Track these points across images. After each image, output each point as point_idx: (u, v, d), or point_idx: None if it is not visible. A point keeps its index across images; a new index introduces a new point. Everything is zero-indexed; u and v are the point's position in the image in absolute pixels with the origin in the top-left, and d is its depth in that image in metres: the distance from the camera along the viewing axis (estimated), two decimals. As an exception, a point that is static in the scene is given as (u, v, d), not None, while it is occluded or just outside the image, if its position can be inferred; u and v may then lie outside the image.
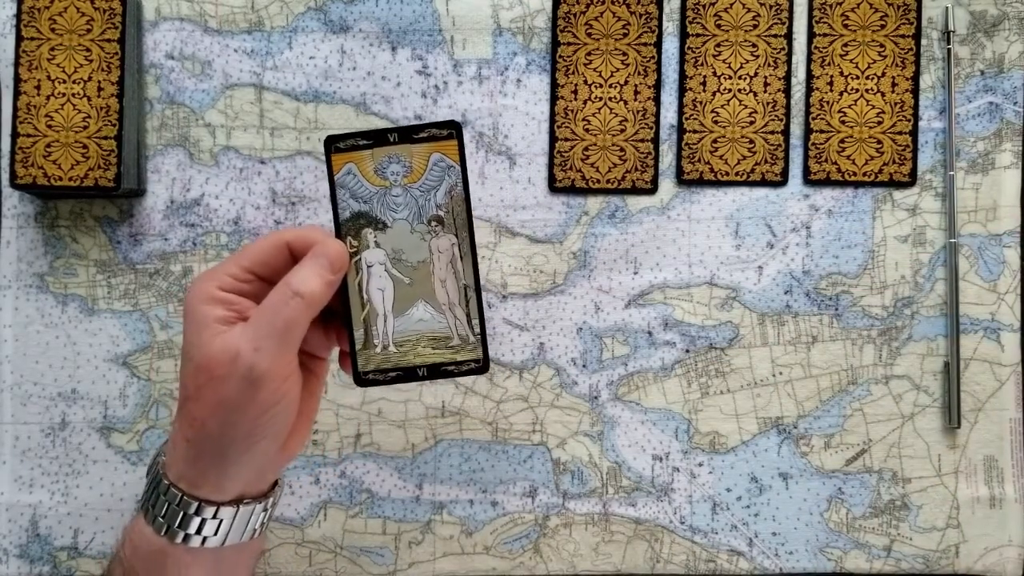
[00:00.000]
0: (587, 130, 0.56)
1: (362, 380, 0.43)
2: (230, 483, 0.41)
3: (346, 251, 0.42)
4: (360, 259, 0.43)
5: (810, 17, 0.56)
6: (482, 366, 0.43)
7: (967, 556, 0.56)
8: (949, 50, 0.56)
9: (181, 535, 0.41)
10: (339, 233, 0.43)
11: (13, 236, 0.55)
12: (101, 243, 0.56)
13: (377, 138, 0.42)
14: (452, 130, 0.43)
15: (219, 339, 0.39)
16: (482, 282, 0.55)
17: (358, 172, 0.43)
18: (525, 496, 0.56)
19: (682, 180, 0.56)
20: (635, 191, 0.56)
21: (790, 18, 0.56)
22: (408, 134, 0.42)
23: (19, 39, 0.53)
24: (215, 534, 0.41)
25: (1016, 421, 0.56)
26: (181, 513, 0.40)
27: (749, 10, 0.56)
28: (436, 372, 0.43)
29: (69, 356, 0.55)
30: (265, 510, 0.43)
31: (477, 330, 0.43)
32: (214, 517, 0.41)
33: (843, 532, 0.56)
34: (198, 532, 0.41)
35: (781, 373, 0.56)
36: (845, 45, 0.56)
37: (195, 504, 0.40)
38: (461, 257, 0.43)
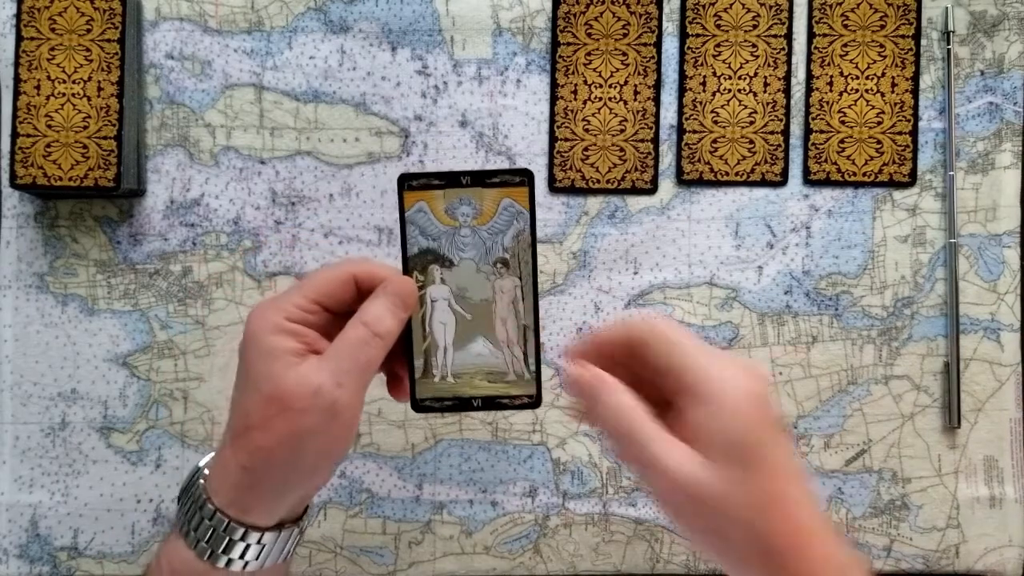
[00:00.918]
0: (587, 130, 0.56)
1: (419, 407, 0.45)
2: (281, 509, 0.41)
3: (416, 290, 0.43)
4: (425, 293, 0.44)
5: (810, 17, 0.56)
6: (535, 401, 0.45)
7: (967, 556, 0.56)
8: (949, 50, 0.56)
9: (225, 560, 0.41)
10: (406, 267, 0.44)
11: (13, 236, 0.56)
12: (101, 243, 0.56)
13: (450, 179, 0.44)
14: (524, 177, 0.44)
15: (293, 372, 0.39)
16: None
17: (429, 210, 0.44)
18: (525, 496, 0.56)
19: (682, 180, 0.56)
20: (635, 191, 0.56)
21: (790, 18, 0.56)
22: (481, 178, 0.44)
23: (19, 39, 0.53)
24: (256, 558, 0.41)
25: (1016, 421, 0.56)
26: (227, 538, 0.40)
27: (749, 10, 0.56)
28: (490, 404, 0.45)
29: (69, 356, 0.55)
30: (301, 533, 0.44)
31: (533, 368, 0.45)
32: (258, 542, 0.41)
33: (843, 532, 0.56)
34: (241, 556, 0.41)
35: (781, 373, 0.56)
36: (845, 45, 0.56)
37: (242, 530, 0.40)
38: (523, 299, 0.45)
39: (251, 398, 0.40)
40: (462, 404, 0.45)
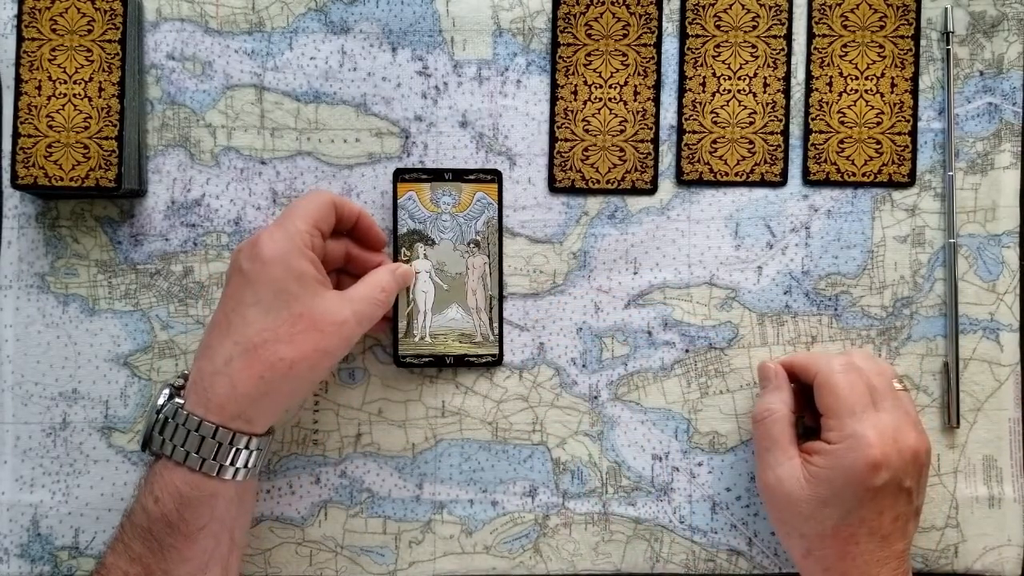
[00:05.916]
0: (587, 131, 0.56)
1: (401, 362, 0.54)
2: (276, 417, 0.48)
3: (413, 275, 0.53)
4: (411, 266, 0.54)
5: (809, 18, 0.56)
6: (497, 360, 0.55)
7: (966, 555, 0.56)
8: (948, 51, 0.56)
9: (232, 470, 0.46)
10: (396, 244, 0.54)
11: (14, 236, 0.56)
12: (102, 243, 0.56)
13: (436, 175, 0.54)
14: (495, 176, 0.54)
15: (321, 300, 0.47)
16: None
17: (417, 199, 0.54)
18: (525, 496, 0.56)
19: (682, 180, 0.56)
20: (635, 191, 0.56)
21: (789, 19, 0.56)
22: (460, 175, 0.54)
23: (20, 40, 0.53)
24: (251, 464, 0.47)
25: (1015, 421, 0.56)
26: (233, 449, 0.46)
27: (749, 11, 0.56)
28: (460, 361, 0.55)
29: (70, 356, 0.55)
30: (272, 439, 0.50)
31: (496, 331, 0.54)
32: (258, 448, 0.47)
33: None
34: (245, 465, 0.46)
35: (780, 373, 0.56)
36: (844, 46, 0.56)
37: (245, 439, 0.46)
38: (490, 274, 0.54)
39: (278, 314, 0.46)
40: (437, 361, 0.54)
